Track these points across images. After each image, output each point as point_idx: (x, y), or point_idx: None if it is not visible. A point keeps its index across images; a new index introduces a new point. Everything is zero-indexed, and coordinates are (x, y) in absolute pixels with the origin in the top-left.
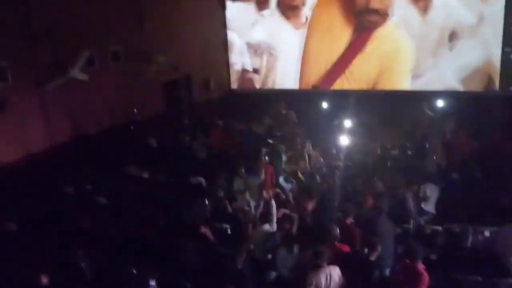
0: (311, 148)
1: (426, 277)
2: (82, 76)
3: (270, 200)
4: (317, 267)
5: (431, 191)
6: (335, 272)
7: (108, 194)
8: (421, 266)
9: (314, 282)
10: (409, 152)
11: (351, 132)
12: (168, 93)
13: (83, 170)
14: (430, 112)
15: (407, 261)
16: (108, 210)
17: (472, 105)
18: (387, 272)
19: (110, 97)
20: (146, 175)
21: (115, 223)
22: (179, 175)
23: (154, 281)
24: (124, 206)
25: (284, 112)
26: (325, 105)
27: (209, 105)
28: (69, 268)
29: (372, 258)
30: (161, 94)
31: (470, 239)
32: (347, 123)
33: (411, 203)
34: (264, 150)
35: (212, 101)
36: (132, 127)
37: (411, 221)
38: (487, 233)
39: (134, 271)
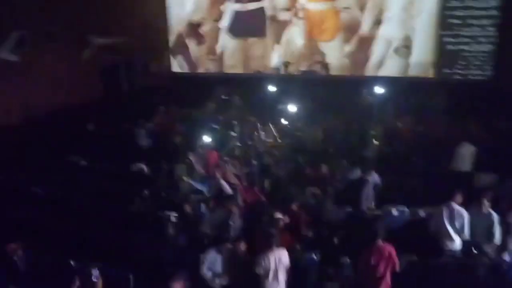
0: (255, 133)
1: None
2: (12, 58)
3: (219, 181)
4: (267, 249)
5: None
6: (284, 255)
7: (45, 184)
8: (388, 246)
9: (263, 263)
10: (352, 137)
11: (295, 116)
12: (107, 78)
13: (16, 159)
14: (369, 97)
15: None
16: (45, 200)
17: (409, 91)
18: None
19: (44, 81)
20: (84, 163)
21: (53, 214)
22: (120, 163)
23: (97, 270)
24: (62, 196)
25: (227, 97)
26: (269, 89)
27: (150, 90)
28: (3, 261)
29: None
30: (99, 78)
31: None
32: (291, 108)
33: (369, 188)
34: (208, 135)
35: (153, 86)
36: (69, 113)
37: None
38: (422, 214)
39: (73, 263)
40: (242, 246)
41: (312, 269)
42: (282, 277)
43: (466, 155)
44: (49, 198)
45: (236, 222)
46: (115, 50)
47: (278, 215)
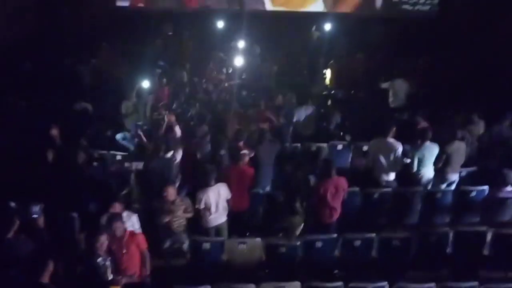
0: (207, 71)
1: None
2: None
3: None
4: (206, 186)
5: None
6: (223, 189)
7: None
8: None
9: (203, 199)
10: (304, 72)
11: (245, 53)
12: (44, 9)
13: None
14: (318, 33)
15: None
16: None
17: (356, 26)
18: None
19: None
20: (23, 103)
21: None
22: (61, 101)
23: (38, 207)
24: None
25: (171, 33)
26: (217, 25)
27: (92, 24)
28: None
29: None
30: (35, 10)
31: (350, 155)
32: (241, 44)
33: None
34: (158, 71)
35: (95, 19)
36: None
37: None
38: (365, 148)
39: (12, 205)
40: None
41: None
42: (223, 210)
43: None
44: None
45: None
46: None
47: (244, 151)
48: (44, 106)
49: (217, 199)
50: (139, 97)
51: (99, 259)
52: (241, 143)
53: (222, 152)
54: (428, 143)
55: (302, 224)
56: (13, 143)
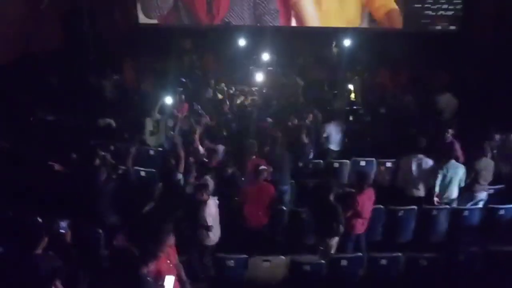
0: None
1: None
2: None
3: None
4: (200, 200)
5: (334, 130)
6: (213, 204)
7: (8, 139)
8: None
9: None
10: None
11: (266, 68)
12: (68, 26)
13: None
14: (337, 49)
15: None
16: (11, 156)
17: (377, 42)
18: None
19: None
20: (50, 118)
21: (19, 171)
22: (86, 117)
23: (66, 222)
24: (28, 151)
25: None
26: (239, 42)
27: (115, 40)
28: None
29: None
30: (60, 26)
31: (374, 170)
32: (262, 60)
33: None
34: (179, 89)
35: (118, 35)
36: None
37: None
38: (388, 164)
39: (39, 219)
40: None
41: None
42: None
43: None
44: (15, 153)
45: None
46: None
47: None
48: (69, 121)
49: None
50: (162, 114)
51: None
52: (254, 157)
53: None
54: (453, 161)
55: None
56: (38, 158)
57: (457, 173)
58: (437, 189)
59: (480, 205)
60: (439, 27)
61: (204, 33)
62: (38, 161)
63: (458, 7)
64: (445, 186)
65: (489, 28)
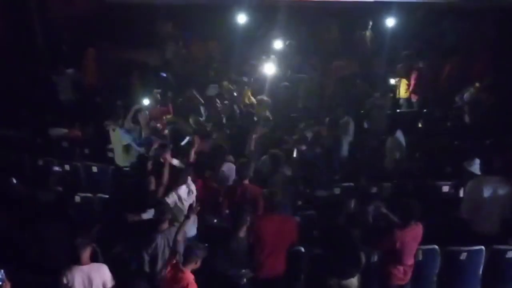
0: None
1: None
2: None
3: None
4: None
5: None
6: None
7: None
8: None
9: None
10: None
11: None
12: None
13: None
14: (371, 32)
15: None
16: None
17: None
18: None
19: None
20: None
21: None
22: (33, 127)
23: (2, 273)
24: None
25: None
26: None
27: (72, 22)
28: None
29: None
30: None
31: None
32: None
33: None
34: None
35: (76, 17)
36: None
37: None
38: (445, 189)
39: None
40: None
41: None
42: None
43: None
44: None
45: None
46: None
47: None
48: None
49: None
50: (136, 123)
51: None
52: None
53: None
54: None
55: None
56: None
57: None
58: None
59: None
60: None
61: (190, 9)
62: None
63: None
64: None
65: None
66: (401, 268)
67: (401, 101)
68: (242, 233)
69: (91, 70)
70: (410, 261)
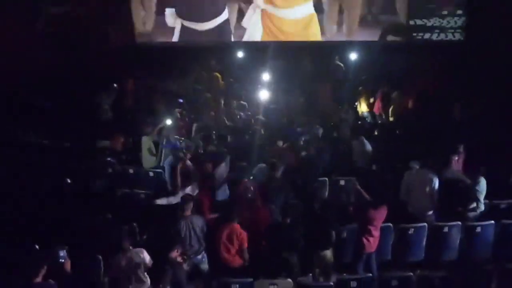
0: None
1: None
2: None
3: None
4: (180, 216)
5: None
6: (198, 221)
7: (3, 165)
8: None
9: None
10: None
11: (269, 85)
12: (59, 46)
13: None
14: (341, 64)
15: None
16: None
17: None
18: None
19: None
20: (45, 142)
21: (13, 199)
22: (82, 140)
23: (64, 251)
24: (24, 178)
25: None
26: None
27: (109, 59)
28: None
29: None
30: (49, 46)
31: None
32: (264, 76)
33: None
34: (177, 109)
35: (112, 54)
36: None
37: None
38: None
39: (37, 247)
40: None
41: None
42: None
43: None
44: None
45: None
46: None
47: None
48: (64, 146)
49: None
50: (160, 135)
51: None
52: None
53: None
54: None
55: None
56: (34, 184)
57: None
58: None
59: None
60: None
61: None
62: (33, 187)
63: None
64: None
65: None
66: (371, 238)
67: (365, 114)
68: None
69: (129, 95)
70: (377, 233)
